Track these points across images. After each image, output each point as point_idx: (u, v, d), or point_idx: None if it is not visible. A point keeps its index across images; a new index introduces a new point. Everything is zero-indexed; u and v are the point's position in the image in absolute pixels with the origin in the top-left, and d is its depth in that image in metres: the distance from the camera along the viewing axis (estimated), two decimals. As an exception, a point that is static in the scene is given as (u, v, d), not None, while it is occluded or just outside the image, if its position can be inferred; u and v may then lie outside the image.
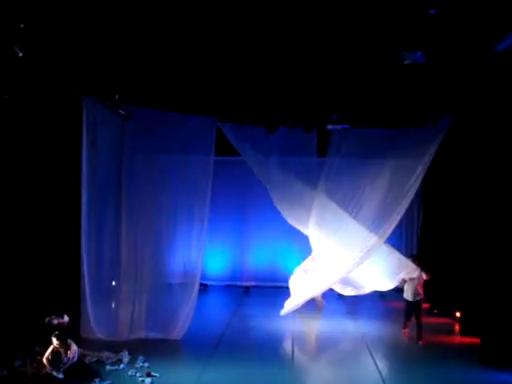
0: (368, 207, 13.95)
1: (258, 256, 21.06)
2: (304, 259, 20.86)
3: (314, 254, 15.70)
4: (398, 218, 13.90)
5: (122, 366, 11.25)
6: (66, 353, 10.46)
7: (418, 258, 14.44)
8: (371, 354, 12.54)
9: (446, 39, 10.43)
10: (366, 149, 13.83)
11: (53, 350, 10.46)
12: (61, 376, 10.26)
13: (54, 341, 10.46)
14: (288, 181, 14.49)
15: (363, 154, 13.91)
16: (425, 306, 17.13)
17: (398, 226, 20.90)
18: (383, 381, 10.96)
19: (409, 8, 9.28)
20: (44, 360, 10.43)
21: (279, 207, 15.14)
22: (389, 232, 13.96)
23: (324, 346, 13.61)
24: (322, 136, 14.32)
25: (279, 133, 14.31)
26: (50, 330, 13.34)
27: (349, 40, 10.75)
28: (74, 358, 10.48)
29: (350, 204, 13.99)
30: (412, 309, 13.82)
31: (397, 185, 13.67)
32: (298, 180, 14.55)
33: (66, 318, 14.67)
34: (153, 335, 13.32)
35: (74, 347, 10.61)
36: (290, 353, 12.82)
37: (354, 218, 14.03)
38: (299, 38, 10.67)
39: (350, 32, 10.42)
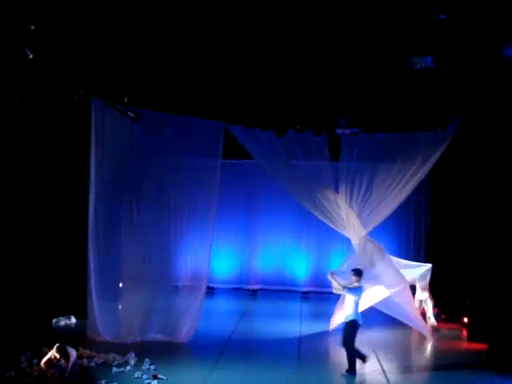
0: (375, 211, 13.94)
1: (265, 259, 21.04)
2: (312, 263, 20.98)
3: None
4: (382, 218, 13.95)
5: (128, 368, 11.22)
6: (66, 362, 10.11)
7: (358, 274, 11.68)
8: (378, 359, 12.49)
9: (456, 44, 10.43)
10: (377, 153, 13.78)
11: (50, 359, 10.15)
12: None
13: (55, 353, 10.14)
14: (309, 185, 14.25)
15: (375, 159, 13.84)
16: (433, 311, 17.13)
17: (407, 231, 21.01)
18: (390, 386, 10.97)
19: (419, 13, 9.28)
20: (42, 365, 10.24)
21: (314, 213, 14.55)
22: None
23: (331, 349, 13.56)
24: (333, 140, 14.25)
25: (289, 136, 14.23)
26: (57, 332, 13.47)
27: (358, 44, 10.77)
28: (72, 367, 10.15)
29: (363, 208, 13.91)
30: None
31: (397, 186, 13.64)
32: (319, 184, 14.29)
33: (73, 320, 14.77)
34: (160, 338, 13.33)
35: (73, 357, 10.26)
36: (297, 356, 12.78)
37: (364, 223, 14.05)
38: (309, 42, 10.70)
39: (359, 36, 10.43)
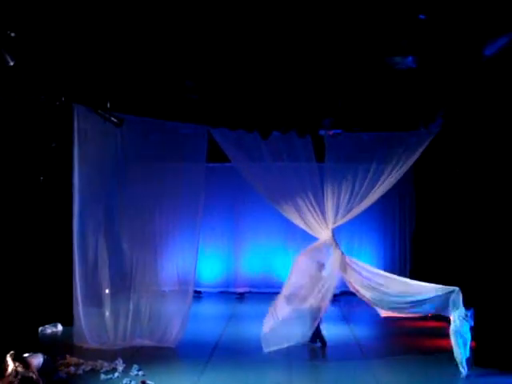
0: (355, 210, 13.79)
1: (252, 262, 21.06)
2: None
3: None
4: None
5: (116, 374, 11.17)
6: (27, 371, 9.85)
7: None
8: (366, 359, 12.53)
9: (436, 44, 10.50)
10: (361, 153, 13.72)
11: (12, 373, 9.80)
12: None
13: (10, 362, 9.92)
14: (293, 187, 14.01)
15: (359, 159, 13.76)
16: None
17: (392, 227, 21.13)
18: (378, 384, 11.01)
19: (399, 13, 9.34)
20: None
21: (289, 217, 14.07)
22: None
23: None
24: (317, 141, 14.20)
25: (273, 139, 14.13)
26: (43, 340, 13.36)
27: (340, 45, 10.81)
28: (37, 374, 9.84)
29: (346, 208, 13.74)
30: None
31: (381, 185, 13.56)
32: (303, 186, 14.06)
33: (60, 327, 14.69)
34: (147, 343, 13.28)
35: (35, 363, 10.06)
36: (286, 359, 12.76)
37: None
38: (291, 43, 10.72)
39: (341, 37, 10.47)
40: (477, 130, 12.99)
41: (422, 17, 9.30)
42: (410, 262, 20.60)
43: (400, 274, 20.34)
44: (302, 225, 13.88)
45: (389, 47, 10.88)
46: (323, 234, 13.65)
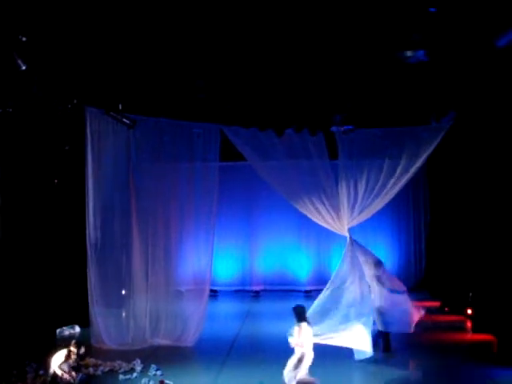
0: (370, 207, 13.72)
1: (267, 260, 21.07)
2: (313, 261, 21.00)
3: None
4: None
5: (134, 374, 11.22)
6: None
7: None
8: (385, 353, 12.47)
9: (447, 37, 10.45)
10: (374, 149, 13.63)
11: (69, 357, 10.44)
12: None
13: (73, 349, 10.50)
14: (309, 184, 13.90)
15: (372, 154, 13.65)
16: (436, 303, 17.17)
17: (407, 223, 21.05)
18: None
19: (409, 7, 9.31)
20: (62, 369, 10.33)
21: (306, 214, 13.69)
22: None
23: (337, 350, 13.50)
24: (330, 138, 14.12)
25: (286, 136, 14.06)
26: (61, 341, 13.44)
27: (351, 40, 10.78)
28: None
29: (360, 204, 13.64)
30: None
31: (394, 180, 13.45)
32: (318, 183, 13.94)
33: (78, 329, 14.76)
34: (165, 342, 13.33)
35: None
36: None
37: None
38: (302, 38, 10.71)
39: (351, 32, 10.44)
40: (490, 122, 12.92)
41: (432, 10, 9.25)
42: (425, 256, 20.55)
43: (416, 269, 20.60)
44: (319, 221, 13.81)
45: (400, 41, 10.83)
46: (340, 231, 13.62)
